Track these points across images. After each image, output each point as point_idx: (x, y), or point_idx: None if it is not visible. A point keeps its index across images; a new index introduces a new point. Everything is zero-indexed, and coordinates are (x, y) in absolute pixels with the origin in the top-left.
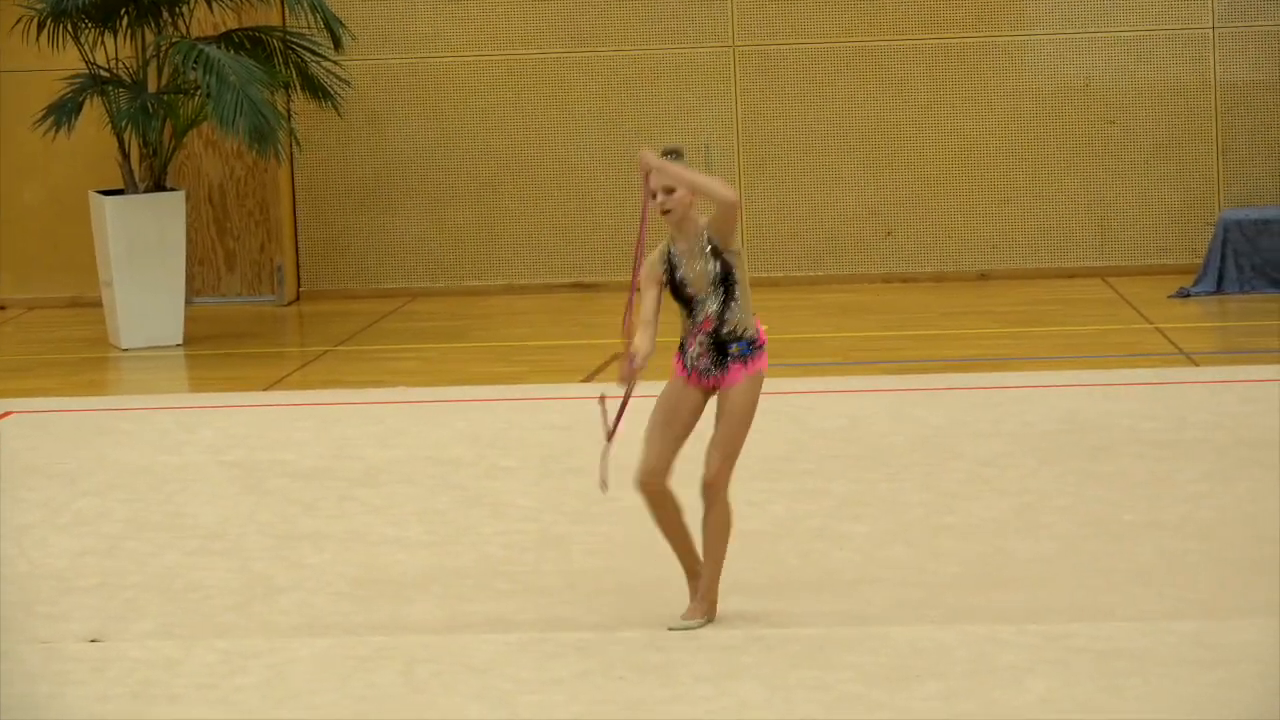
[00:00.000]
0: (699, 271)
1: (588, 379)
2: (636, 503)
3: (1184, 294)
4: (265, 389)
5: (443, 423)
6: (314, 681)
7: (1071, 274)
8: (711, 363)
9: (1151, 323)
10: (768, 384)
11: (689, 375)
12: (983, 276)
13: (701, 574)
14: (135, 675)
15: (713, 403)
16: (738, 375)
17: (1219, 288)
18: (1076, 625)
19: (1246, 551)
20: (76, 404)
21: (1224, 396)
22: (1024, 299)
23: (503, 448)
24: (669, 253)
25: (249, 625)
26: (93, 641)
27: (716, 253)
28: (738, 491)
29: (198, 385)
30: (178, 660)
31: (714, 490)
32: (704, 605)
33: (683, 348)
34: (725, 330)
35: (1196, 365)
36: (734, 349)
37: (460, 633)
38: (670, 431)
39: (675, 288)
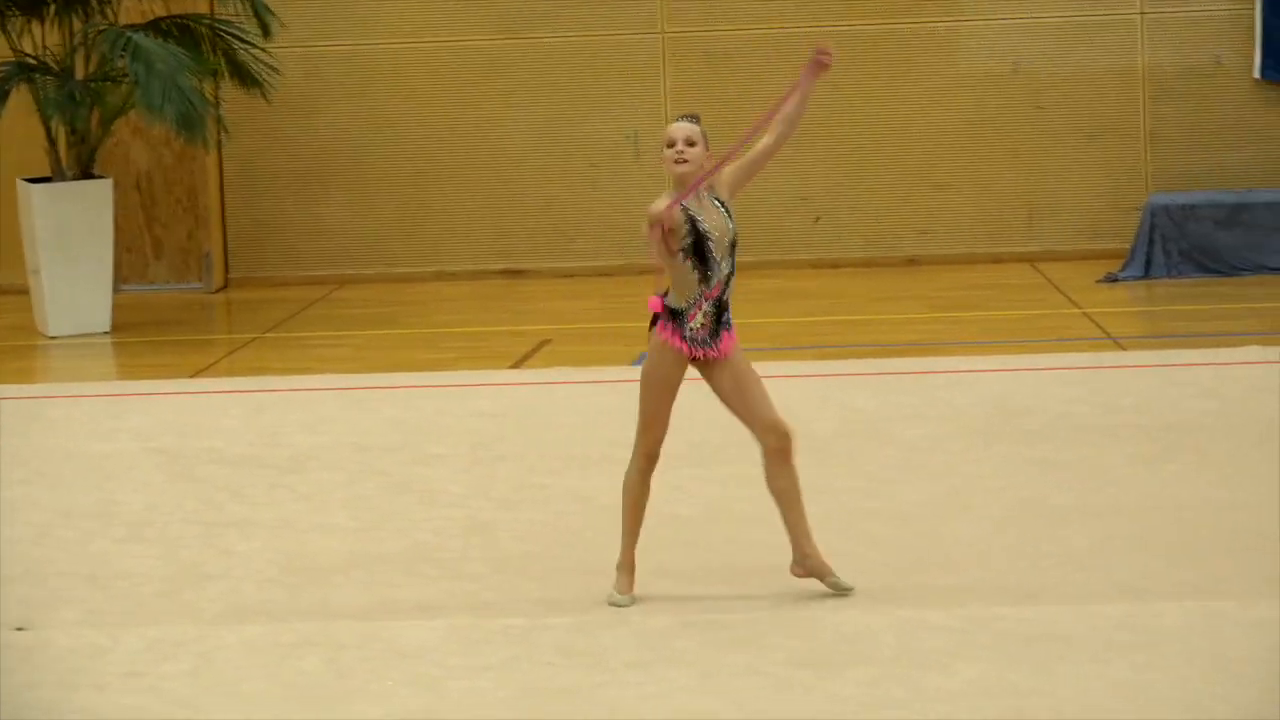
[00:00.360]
0: (718, 225)
1: (516, 365)
2: (564, 489)
3: (1112, 279)
4: (193, 376)
5: (371, 410)
6: (242, 669)
7: (1000, 259)
8: (709, 334)
9: (1080, 307)
10: (690, 371)
11: (686, 347)
12: (912, 261)
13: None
14: (63, 663)
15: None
16: (729, 345)
17: (1147, 272)
18: (1005, 609)
19: (1173, 535)
20: (4, 391)
21: (1151, 381)
22: (953, 284)
23: (431, 434)
24: (685, 204)
25: (177, 613)
26: (19, 630)
27: (727, 209)
28: (668, 477)
29: (125, 373)
30: (105, 648)
31: (790, 448)
32: (817, 561)
33: (678, 318)
34: (726, 296)
35: (1124, 350)
36: (726, 317)
37: (388, 619)
38: (670, 406)
39: (698, 243)
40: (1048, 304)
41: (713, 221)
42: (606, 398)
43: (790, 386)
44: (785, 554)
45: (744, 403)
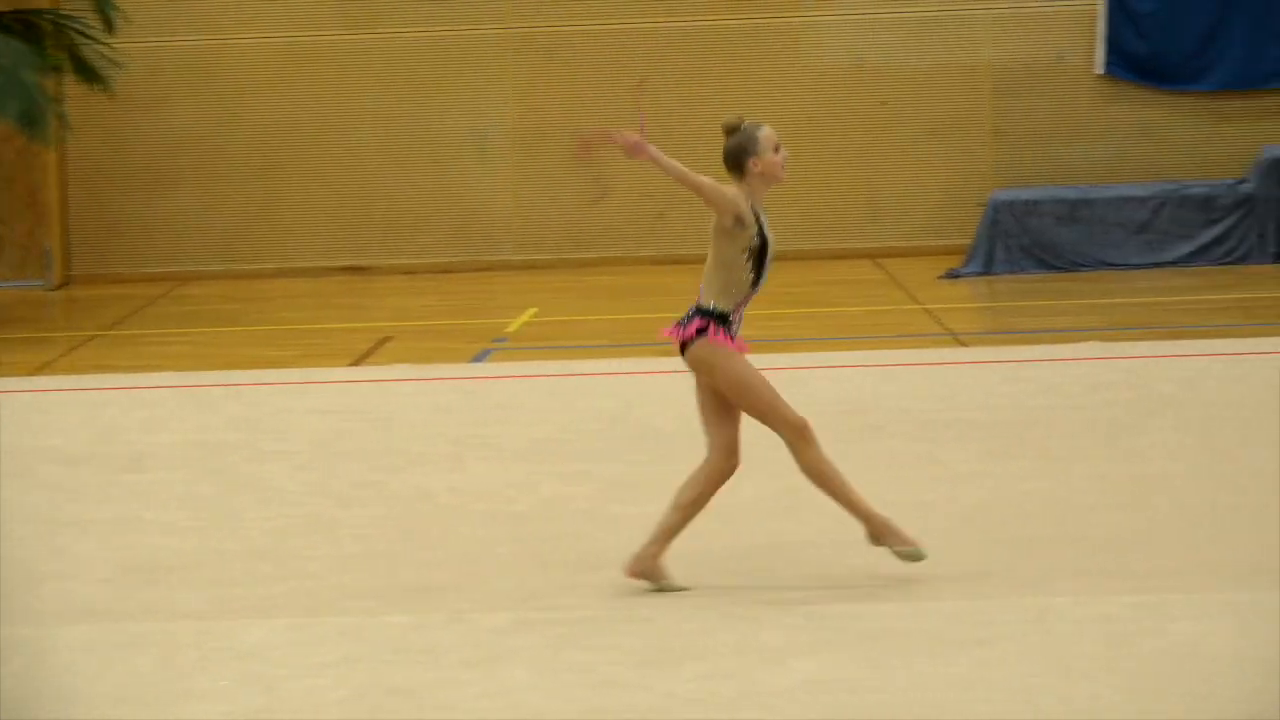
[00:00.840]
0: (773, 238)
1: (357, 362)
2: (404, 486)
3: (953, 275)
4: (31, 374)
5: (211, 407)
6: (75, 668)
7: (843, 255)
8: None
9: (921, 303)
10: (537, 367)
11: (739, 343)
12: None
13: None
14: None
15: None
16: (744, 345)
17: (988, 268)
18: (840, 605)
19: (1011, 531)
20: None
21: (992, 377)
22: (796, 280)
23: (271, 432)
24: (753, 206)
25: (10, 613)
26: None
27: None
28: (506, 475)
29: None
30: None
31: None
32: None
33: (726, 321)
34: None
35: (965, 345)
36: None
37: (225, 618)
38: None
39: (762, 248)
40: (890, 300)
41: (771, 233)
42: (447, 395)
43: (631, 383)
44: (622, 551)
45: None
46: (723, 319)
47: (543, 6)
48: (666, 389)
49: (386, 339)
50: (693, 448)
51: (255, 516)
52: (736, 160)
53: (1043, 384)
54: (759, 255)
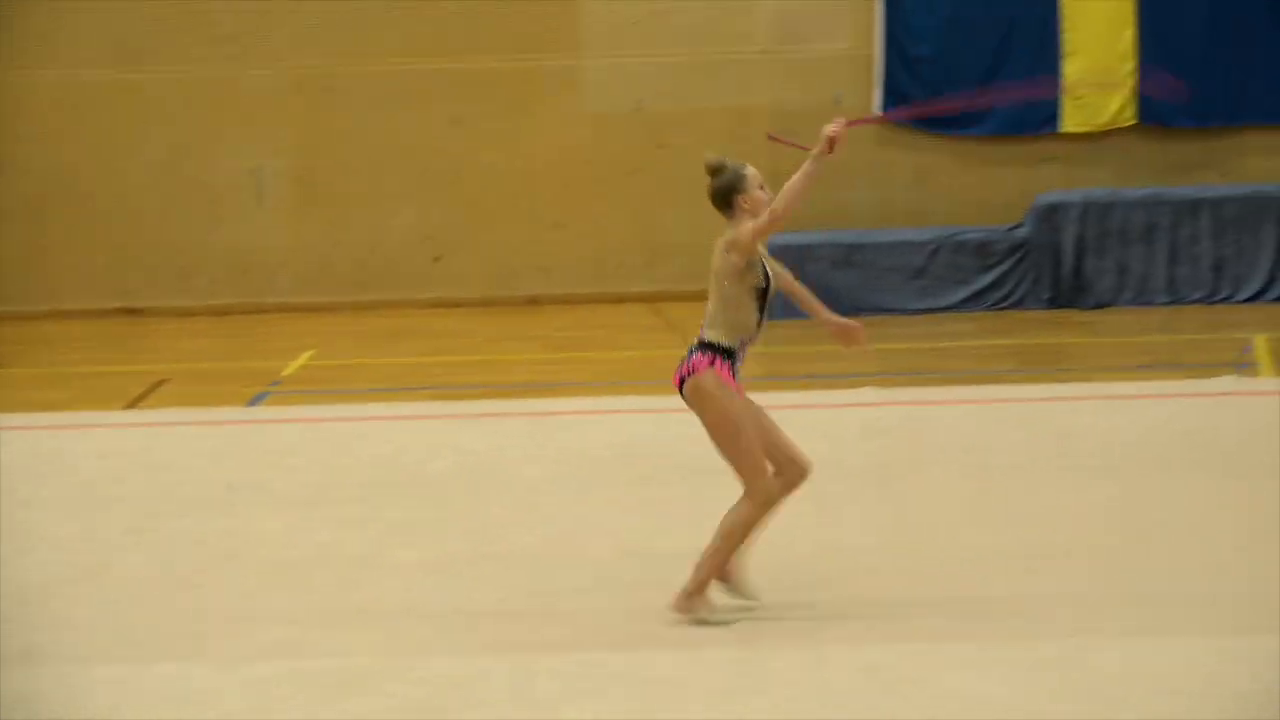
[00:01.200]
0: (774, 283)
1: (131, 405)
2: (177, 531)
3: None
4: None
5: None
6: None
7: (620, 299)
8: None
9: None
10: (313, 410)
11: (737, 384)
12: (532, 302)
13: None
14: None
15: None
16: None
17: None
18: (614, 654)
19: (786, 578)
20: None
21: None
22: (572, 324)
23: (42, 477)
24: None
25: None
26: None
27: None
28: (281, 520)
29: None
30: None
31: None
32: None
33: (731, 357)
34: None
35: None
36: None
37: None
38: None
39: (766, 289)
40: (666, 345)
41: (774, 273)
42: (222, 439)
43: (408, 427)
44: (397, 598)
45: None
46: (728, 354)
47: (318, 47)
48: (444, 434)
49: (161, 382)
50: (467, 494)
51: (22, 564)
52: (726, 198)
53: (816, 429)
54: (763, 294)
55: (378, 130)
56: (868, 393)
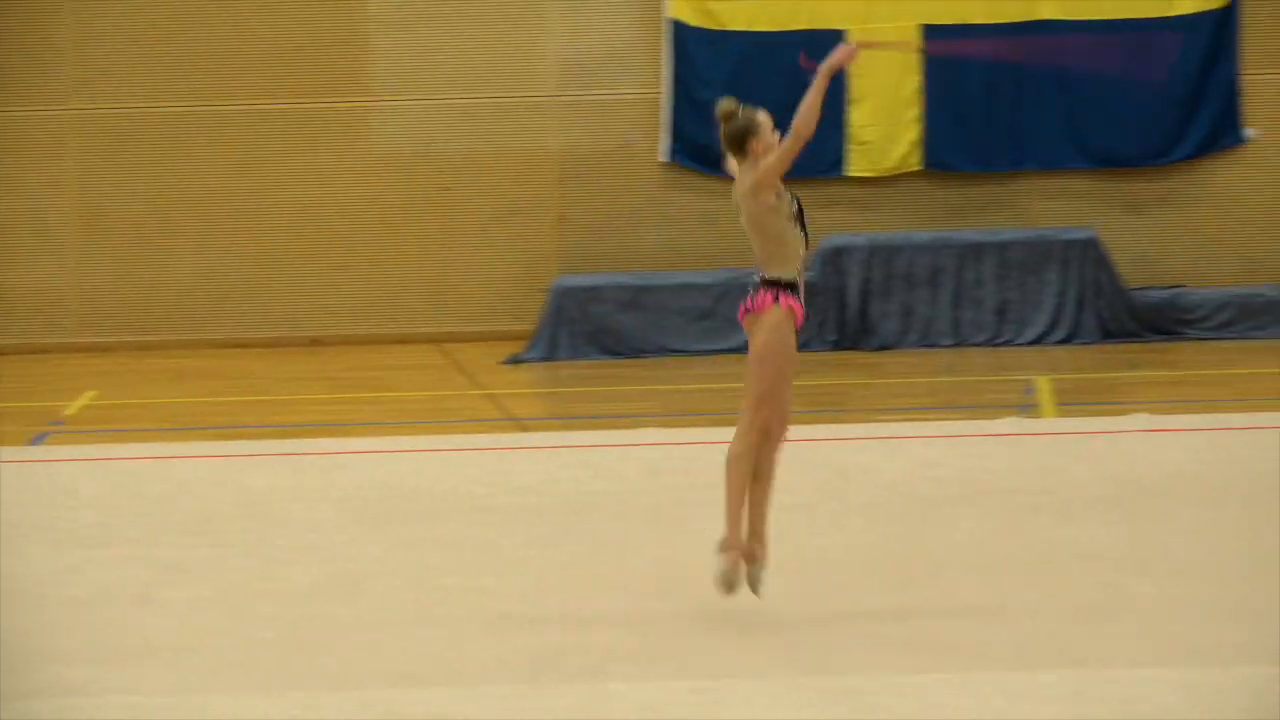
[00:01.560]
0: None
1: None
2: None
3: (516, 360)
4: None
5: None
6: None
7: (406, 340)
8: None
9: (484, 389)
10: (95, 450)
11: (801, 313)
12: (315, 342)
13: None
14: None
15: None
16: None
17: (551, 354)
18: (396, 691)
19: (565, 611)
20: None
21: (552, 461)
22: (356, 365)
23: None
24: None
25: None
26: None
27: None
28: (61, 560)
29: None
30: None
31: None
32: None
33: (794, 289)
34: None
35: (527, 431)
36: None
37: None
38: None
39: (801, 210)
40: (452, 385)
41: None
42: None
43: (187, 467)
44: (174, 636)
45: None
46: (791, 288)
47: (106, 88)
48: (224, 473)
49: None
50: (248, 533)
51: None
52: (741, 141)
53: (603, 469)
54: (800, 215)
55: (164, 171)
56: (650, 433)
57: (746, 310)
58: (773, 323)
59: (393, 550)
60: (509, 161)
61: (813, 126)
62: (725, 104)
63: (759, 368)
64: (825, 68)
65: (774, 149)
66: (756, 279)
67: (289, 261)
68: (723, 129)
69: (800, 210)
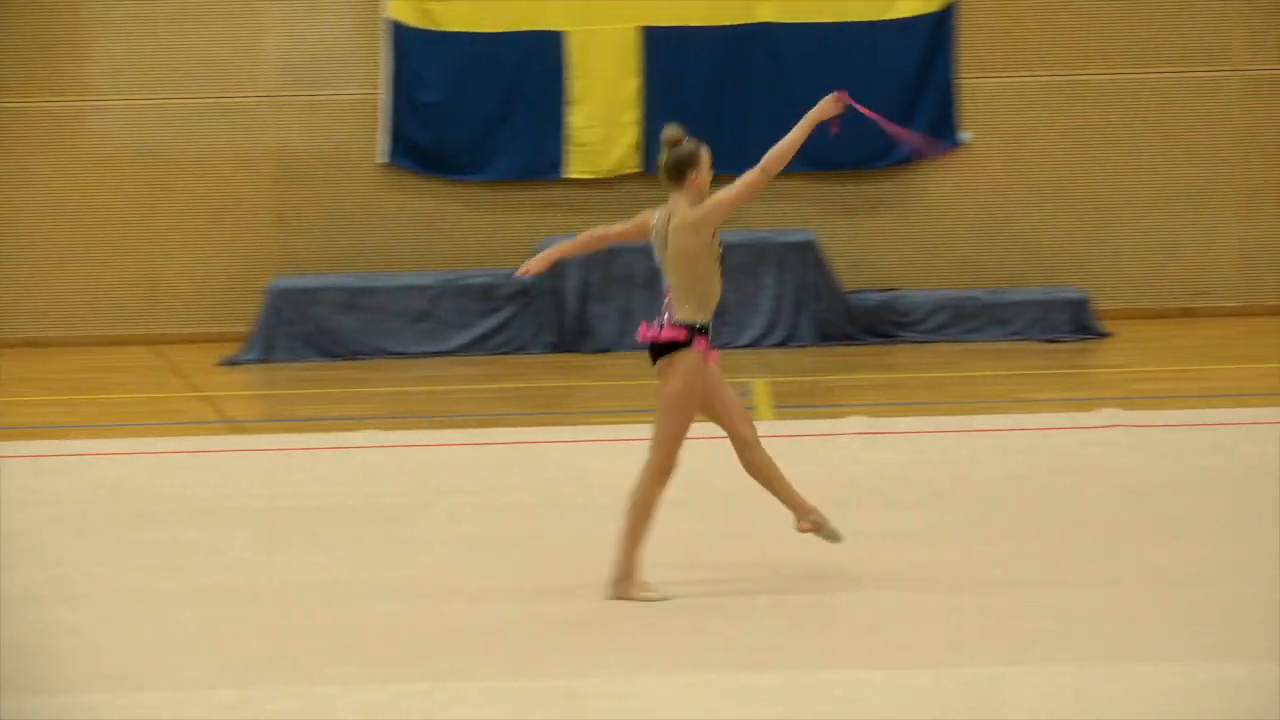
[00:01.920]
0: None
1: None
2: None
3: (232, 362)
4: None
5: None
6: None
7: (120, 341)
8: None
9: (200, 390)
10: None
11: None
12: (30, 344)
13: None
14: None
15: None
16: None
17: (268, 356)
18: (109, 696)
19: (280, 619)
20: None
21: (270, 464)
22: (71, 367)
23: None
24: None
25: None
26: None
27: None
28: None
29: None
30: None
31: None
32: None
33: (705, 331)
34: None
35: (244, 433)
36: None
37: None
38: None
39: (724, 250)
40: (167, 387)
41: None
42: None
43: None
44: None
45: (724, 401)
46: (704, 330)
47: None
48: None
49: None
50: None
51: None
52: (680, 171)
53: (320, 472)
54: (723, 260)
55: None
56: (369, 435)
57: (655, 341)
58: (688, 367)
59: (109, 554)
60: (226, 162)
61: (782, 167)
62: (671, 131)
63: (672, 414)
64: (811, 116)
65: (706, 189)
66: (664, 316)
67: (2, 262)
68: (665, 155)
69: (724, 254)
